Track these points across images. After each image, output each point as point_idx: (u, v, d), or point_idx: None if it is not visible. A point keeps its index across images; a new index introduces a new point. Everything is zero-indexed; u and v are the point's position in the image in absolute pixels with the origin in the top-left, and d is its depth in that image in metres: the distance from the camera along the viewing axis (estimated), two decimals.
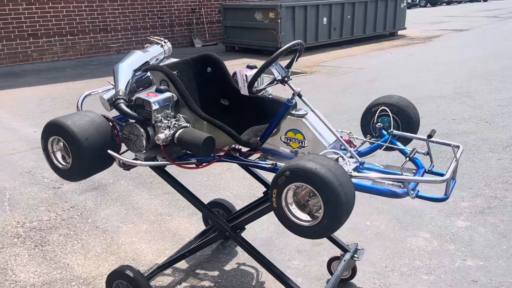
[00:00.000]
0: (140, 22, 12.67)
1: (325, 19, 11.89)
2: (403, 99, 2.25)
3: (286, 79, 2.04)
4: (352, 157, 1.95)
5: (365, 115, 2.27)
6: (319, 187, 1.46)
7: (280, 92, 2.34)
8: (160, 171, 2.10)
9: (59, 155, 1.97)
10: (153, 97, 1.92)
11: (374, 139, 2.18)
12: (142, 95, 1.95)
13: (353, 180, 1.71)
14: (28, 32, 10.75)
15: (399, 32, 14.58)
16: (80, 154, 1.85)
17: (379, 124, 2.18)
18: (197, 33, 13.84)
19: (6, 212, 3.40)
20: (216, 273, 2.60)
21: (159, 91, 1.98)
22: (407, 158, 1.75)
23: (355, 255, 2.38)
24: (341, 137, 2.21)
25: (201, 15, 13.90)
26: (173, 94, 2.01)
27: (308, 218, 1.59)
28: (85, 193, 3.71)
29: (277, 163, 1.92)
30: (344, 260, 2.31)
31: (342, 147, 2.07)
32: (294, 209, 1.60)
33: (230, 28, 12.15)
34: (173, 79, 2.04)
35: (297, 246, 2.83)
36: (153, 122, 1.92)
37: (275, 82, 2.08)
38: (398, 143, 2.09)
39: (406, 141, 2.19)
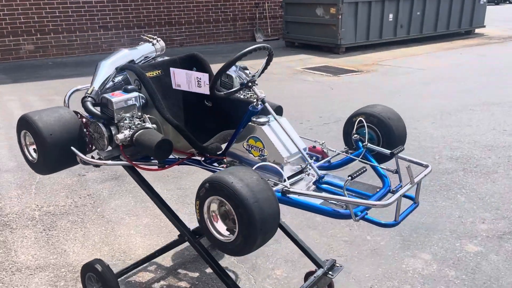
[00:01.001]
0: (204, 16, 12.93)
1: (391, 16, 11.33)
2: (387, 110, 2.07)
3: (250, 83, 1.96)
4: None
5: (346, 124, 2.12)
6: (233, 203, 1.39)
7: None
8: (128, 169, 2.12)
9: (31, 148, 2.06)
10: (116, 97, 1.93)
11: (351, 151, 2.03)
12: (108, 94, 1.97)
13: (293, 196, 1.61)
14: (99, 24, 11.42)
15: (477, 31, 13.52)
16: (44, 149, 1.91)
17: (355, 135, 2.03)
18: (259, 28, 13.86)
19: (31, 194, 3.65)
20: (196, 274, 2.59)
21: (125, 90, 1.99)
22: (349, 177, 1.60)
23: (330, 272, 2.24)
24: (314, 147, 2.10)
25: (264, 9, 13.88)
26: (142, 95, 2.02)
27: (226, 233, 1.51)
28: (104, 182, 3.88)
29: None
30: (314, 277, 2.18)
31: (309, 156, 1.96)
32: (218, 222, 1.53)
33: (291, 23, 12.02)
34: (144, 79, 2.04)
35: (286, 255, 2.73)
36: (115, 122, 1.93)
37: (242, 87, 2.01)
38: (372, 158, 1.93)
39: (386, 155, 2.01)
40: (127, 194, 3.65)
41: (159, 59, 2.52)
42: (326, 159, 2.03)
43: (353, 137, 2.03)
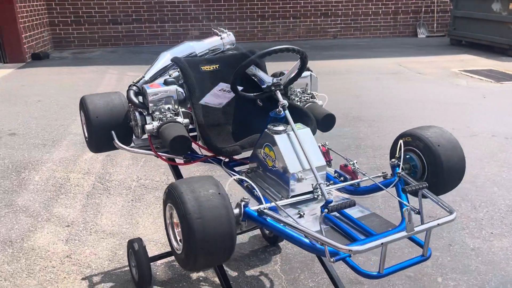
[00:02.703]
0: (362, 8, 12.46)
1: None
2: (441, 134, 1.69)
3: (273, 87, 1.80)
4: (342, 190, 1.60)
5: (393, 145, 1.80)
6: (179, 214, 1.29)
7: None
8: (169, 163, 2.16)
9: (85, 127, 2.26)
10: (152, 88, 1.99)
11: (384, 178, 1.72)
12: (147, 85, 2.04)
13: (269, 218, 1.43)
14: (257, 13, 11.97)
15: None
16: (90, 129, 2.09)
17: (392, 160, 1.71)
18: (423, 22, 12.75)
19: (137, 166, 4.06)
20: (235, 273, 2.55)
21: (165, 83, 2.03)
22: (326, 210, 1.34)
23: None
24: (346, 166, 1.85)
25: (432, 2, 12.68)
26: (181, 89, 2.03)
27: (176, 245, 1.42)
28: (199, 166, 4.08)
29: (247, 179, 1.73)
30: None
31: (337, 177, 1.73)
32: (178, 230, 1.45)
33: (460, 18, 10.73)
34: (185, 73, 2.05)
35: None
36: (150, 112, 1.99)
37: (267, 90, 1.86)
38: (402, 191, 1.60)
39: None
40: (220, 179, 3.76)
41: (230, 53, 2.50)
42: (353, 181, 1.76)
43: (390, 162, 1.72)
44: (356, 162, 1.80)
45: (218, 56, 2.35)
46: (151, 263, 2.47)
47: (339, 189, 1.75)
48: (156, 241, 2.86)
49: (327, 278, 2.48)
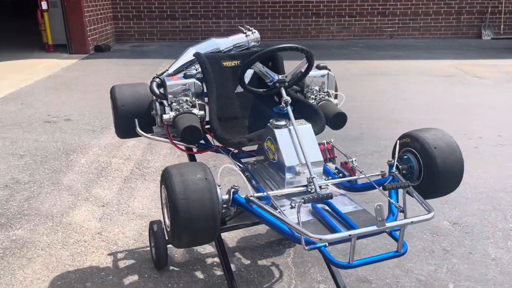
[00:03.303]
0: (423, 7, 12.04)
1: None
2: (440, 136, 1.70)
3: (278, 84, 1.87)
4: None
5: (394, 145, 1.81)
6: (167, 195, 1.41)
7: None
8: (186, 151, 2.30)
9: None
10: (171, 80, 2.13)
11: (379, 177, 1.74)
12: (167, 77, 2.18)
13: (255, 205, 1.51)
14: (312, 11, 11.93)
15: None
16: (116, 116, 2.27)
17: (389, 160, 1.73)
18: (489, 24, 12.10)
19: (174, 156, 4.28)
20: (247, 261, 2.65)
21: (184, 76, 2.16)
22: (302, 200, 1.40)
23: None
24: (346, 163, 1.89)
25: (500, 2, 12.00)
26: (199, 83, 2.16)
27: (168, 223, 1.53)
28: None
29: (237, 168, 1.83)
30: None
31: (337, 173, 1.78)
32: None
33: None
34: (204, 67, 2.17)
35: (344, 274, 2.52)
36: (169, 103, 2.14)
37: (273, 87, 1.93)
38: (393, 190, 1.62)
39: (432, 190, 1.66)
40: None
41: (253, 49, 2.60)
42: (349, 178, 1.80)
43: (387, 162, 1.74)
44: (355, 160, 1.83)
45: (241, 52, 2.45)
46: (169, 245, 2.65)
47: (337, 185, 1.80)
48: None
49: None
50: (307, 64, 1.95)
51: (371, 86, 7.01)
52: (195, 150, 2.19)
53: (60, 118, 5.32)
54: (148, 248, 2.73)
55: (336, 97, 2.40)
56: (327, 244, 1.41)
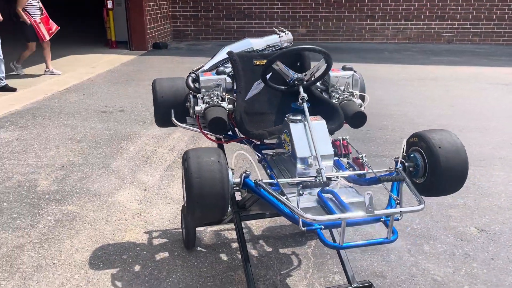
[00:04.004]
0: (485, 12, 11.59)
1: None
2: (446, 137, 1.78)
3: (296, 82, 2.01)
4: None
5: (404, 144, 1.91)
6: (184, 174, 1.61)
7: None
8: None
9: None
10: (205, 76, 2.33)
11: (386, 172, 1.84)
12: (202, 73, 2.39)
13: (262, 189, 1.68)
14: (367, 14, 11.84)
15: None
16: (156, 106, 2.51)
17: (396, 157, 1.82)
18: None
19: None
20: (269, 249, 2.81)
21: (217, 73, 2.36)
22: (301, 185, 1.53)
23: None
24: (357, 158, 2.01)
25: None
26: (229, 79, 2.34)
27: (185, 199, 1.72)
28: None
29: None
30: None
31: (348, 166, 1.91)
32: None
33: None
34: (234, 65, 2.36)
35: (360, 267, 2.62)
36: (201, 96, 2.34)
37: (292, 84, 2.08)
38: (396, 185, 1.72)
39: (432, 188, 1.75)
40: None
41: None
42: (357, 172, 1.91)
43: (394, 158, 1.84)
44: (364, 156, 1.94)
45: (272, 52, 2.62)
46: (199, 228, 2.87)
47: (346, 179, 1.92)
48: None
49: (353, 269, 2.63)
50: (325, 64, 2.07)
51: (420, 92, 6.91)
52: (222, 140, 2.38)
53: (115, 109, 5.74)
54: (180, 230, 2.96)
55: (363, 98, 2.51)
56: (322, 226, 1.54)
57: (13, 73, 7.44)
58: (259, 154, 2.13)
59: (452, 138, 1.78)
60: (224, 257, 2.72)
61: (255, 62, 2.49)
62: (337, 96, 2.41)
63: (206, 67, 2.55)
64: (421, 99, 6.50)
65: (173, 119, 2.44)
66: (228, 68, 2.51)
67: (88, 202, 3.36)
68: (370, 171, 1.88)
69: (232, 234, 2.96)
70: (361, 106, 2.43)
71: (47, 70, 7.55)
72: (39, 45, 7.19)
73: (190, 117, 2.46)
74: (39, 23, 6.92)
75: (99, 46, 10.70)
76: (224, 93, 2.34)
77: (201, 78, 2.32)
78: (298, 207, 1.56)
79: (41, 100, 6.15)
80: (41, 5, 7.04)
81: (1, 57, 6.20)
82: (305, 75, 2.09)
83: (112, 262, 2.65)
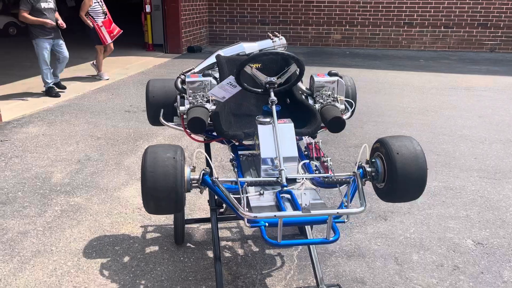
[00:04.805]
0: None
1: None
2: (407, 144, 1.77)
3: (267, 86, 2.06)
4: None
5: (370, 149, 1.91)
6: (141, 168, 1.69)
7: None
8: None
9: None
10: (191, 77, 2.42)
11: (346, 177, 1.85)
12: (188, 75, 2.48)
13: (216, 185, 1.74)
14: (405, 20, 11.60)
15: None
16: (147, 105, 2.63)
17: (359, 161, 1.83)
18: None
19: (225, 150, 4.61)
20: (256, 249, 2.86)
21: (203, 75, 2.45)
22: (243, 187, 1.57)
23: None
24: (323, 162, 2.03)
25: None
26: (214, 81, 2.42)
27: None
28: None
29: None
30: None
31: (315, 169, 1.93)
32: None
33: None
34: (220, 68, 2.44)
35: (341, 273, 2.61)
36: (187, 97, 2.44)
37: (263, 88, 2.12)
38: (351, 189, 1.73)
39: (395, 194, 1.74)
40: None
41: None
42: (320, 175, 1.93)
43: (355, 162, 1.84)
44: (330, 159, 1.95)
45: (246, 56, 2.67)
46: (191, 225, 2.96)
47: (312, 181, 1.94)
48: (205, 209, 3.33)
49: (333, 273, 2.63)
50: (297, 69, 2.10)
51: (448, 101, 6.72)
52: (201, 139, 2.46)
53: (139, 109, 5.97)
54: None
55: (351, 104, 2.52)
56: (266, 224, 1.58)
57: (94, 74, 7.80)
58: (232, 154, 2.19)
59: (412, 145, 1.76)
60: (210, 254, 2.79)
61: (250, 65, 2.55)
62: (321, 100, 2.43)
63: (196, 70, 2.65)
64: (447, 108, 6.32)
65: (161, 118, 2.54)
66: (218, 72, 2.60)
67: (94, 196, 3.54)
68: (332, 174, 1.90)
69: (223, 233, 3.04)
70: (345, 111, 2.44)
71: (98, 73, 7.80)
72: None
73: (177, 116, 2.56)
74: (101, 26, 7.21)
75: (136, 48, 11.12)
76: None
77: (187, 79, 2.41)
78: (244, 206, 1.61)
79: (72, 98, 6.50)
80: (105, 9, 7.35)
81: (48, 66, 6.45)
82: (277, 79, 2.13)
83: (105, 252, 2.79)
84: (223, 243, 2.93)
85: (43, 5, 6.12)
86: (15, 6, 15.09)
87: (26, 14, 6.03)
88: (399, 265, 2.68)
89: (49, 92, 6.52)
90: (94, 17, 7.17)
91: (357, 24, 11.75)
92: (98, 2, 7.16)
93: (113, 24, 7.44)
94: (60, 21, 6.37)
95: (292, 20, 11.90)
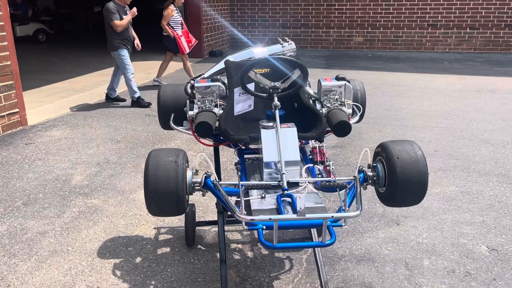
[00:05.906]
0: None
1: None
2: (408, 148, 1.77)
3: (271, 90, 2.08)
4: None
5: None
6: (144, 171, 1.74)
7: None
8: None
9: None
10: (200, 83, 2.47)
11: (347, 181, 1.85)
12: (197, 80, 2.53)
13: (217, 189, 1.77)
14: (429, 22, 11.42)
15: None
16: (158, 110, 2.69)
17: (361, 166, 1.83)
18: None
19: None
20: (262, 252, 2.88)
21: (212, 80, 2.49)
22: (242, 188, 1.60)
23: None
24: (326, 166, 2.05)
25: None
26: (222, 86, 2.47)
27: None
28: None
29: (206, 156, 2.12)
30: None
31: (318, 173, 1.95)
32: None
33: None
34: (228, 74, 2.48)
35: (345, 276, 2.61)
36: (196, 101, 2.49)
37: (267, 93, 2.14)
38: (349, 193, 1.74)
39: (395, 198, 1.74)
40: None
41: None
42: (321, 179, 1.94)
43: (358, 166, 1.85)
44: (332, 163, 1.96)
45: (252, 61, 2.69)
46: (203, 228, 3.01)
47: (314, 185, 1.95)
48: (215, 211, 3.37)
49: (341, 277, 2.63)
50: (301, 73, 2.12)
51: (471, 104, 6.58)
52: (209, 142, 2.51)
53: None
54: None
55: (359, 108, 2.52)
56: (264, 227, 1.60)
57: (156, 84, 8.00)
58: (238, 158, 2.23)
59: (413, 149, 1.75)
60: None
61: (257, 70, 2.58)
62: (329, 105, 2.44)
63: (206, 75, 2.70)
64: (470, 111, 6.19)
65: (171, 122, 2.60)
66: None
67: (111, 197, 3.63)
68: (334, 178, 1.90)
69: (233, 235, 3.07)
70: (353, 116, 2.44)
71: (155, 79, 7.95)
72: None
73: (187, 121, 2.62)
74: (181, 36, 7.47)
75: (158, 53, 11.31)
76: (218, 99, 2.47)
77: (196, 84, 2.46)
78: (242, 209, 1.64)
79: (95, 102, 6.68)
80: (182, 20, 7.61)
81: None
82: (281, 84, 2.15)
83: (118, 253, 2.87)
84: (233, 245, 2.96)
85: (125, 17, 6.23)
86: (44, 13, 15.63)
87: (117, 22, 6.11)
88: (409, 270, 2.66)
89: (139, 102, 6.45)
90: (174, 27, 7.40)
91: (380, 26, 11.63)
92: (178, 13, 7.40)
93: (190, 34, 7.72)
94: (137, 41, 6.55)
95: (313, 24, 11.88)
